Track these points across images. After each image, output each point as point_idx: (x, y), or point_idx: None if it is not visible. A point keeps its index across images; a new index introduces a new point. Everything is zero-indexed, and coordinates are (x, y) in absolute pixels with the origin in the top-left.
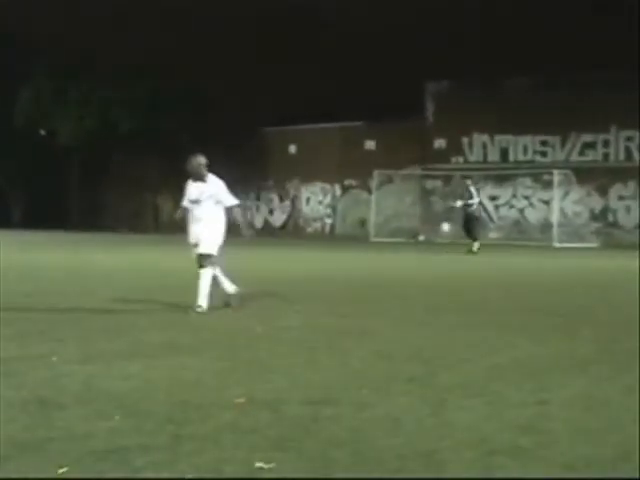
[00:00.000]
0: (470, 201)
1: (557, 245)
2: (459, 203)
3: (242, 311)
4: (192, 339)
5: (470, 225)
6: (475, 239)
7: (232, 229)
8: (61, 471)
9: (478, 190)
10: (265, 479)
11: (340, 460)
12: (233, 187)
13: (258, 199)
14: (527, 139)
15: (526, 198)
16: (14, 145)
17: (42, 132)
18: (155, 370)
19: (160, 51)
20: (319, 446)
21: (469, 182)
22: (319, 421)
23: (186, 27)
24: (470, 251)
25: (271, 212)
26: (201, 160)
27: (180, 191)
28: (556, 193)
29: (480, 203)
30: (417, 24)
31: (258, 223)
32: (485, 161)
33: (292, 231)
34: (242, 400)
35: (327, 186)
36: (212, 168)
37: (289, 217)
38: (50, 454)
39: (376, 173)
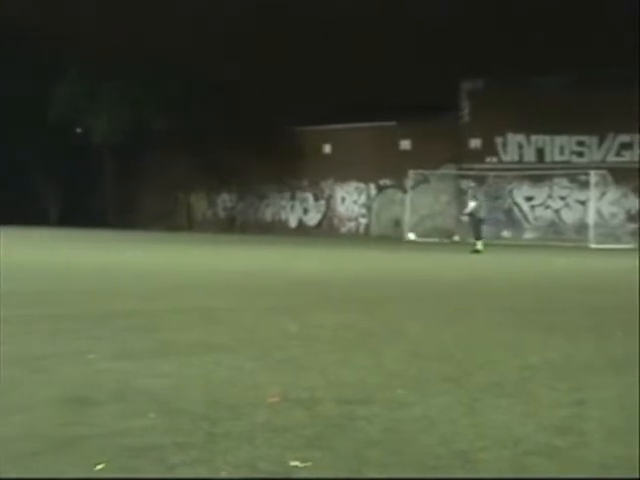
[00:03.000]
0: (470, 205)
1: (593, 246)
2: (468, 210)
3: (276, 311)
4: (225, 338)
5: (472, 226)
6: (478, 238)
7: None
8: (98, 468)
9: (475, 195)
10: (300, 479)
11: (375, 459)
12: (268, 186)
13: (293, 198)
14: (564, 139)
15: (562, 199)
16: (49, 144)
17: (78, 130)
18: (189, 368)
19: (192, 50)
20: (354, 445)
21: (472, 185)
22: (354, 420)
23: (218, 26)
24: (475, 250)
25: (305, 211)
26: None
27: (213, 190)
28: (592, 194)
29: (479, 205)
30: (452, 22)
31: (292, 222)
32: (521, 161)
33: (326, 230)
34: (276, 399)
35: (362, 185)
36: (249, 166)
37: (324, 216)
38: (86, 451)
39: (411, 173)
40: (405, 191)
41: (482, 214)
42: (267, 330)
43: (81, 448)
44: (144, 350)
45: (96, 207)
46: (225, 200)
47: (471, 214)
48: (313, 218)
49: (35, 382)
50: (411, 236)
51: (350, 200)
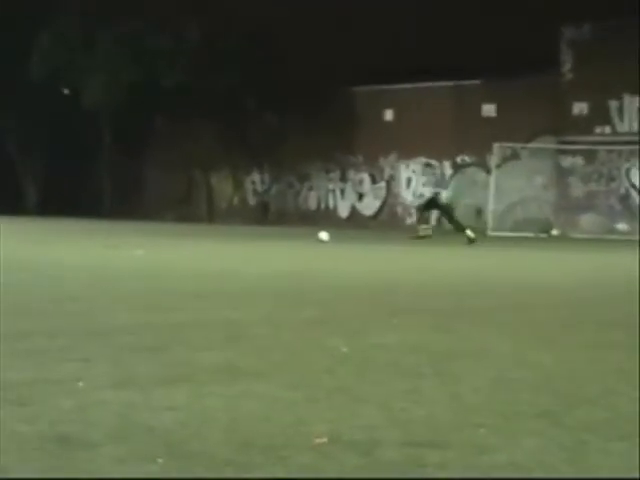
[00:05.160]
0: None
1: None
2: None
3: (323, 325)
4: (257, 361)
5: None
6: (461, 229)
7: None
8: None
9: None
10: None
11: None
12: (312, 164)
13: (343, 180)
14: None
15: None
16: (30, 107)
17: (65, 91)
18: (209, 400)
19: None
20: None
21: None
22: (424, 468)
23: None
24: (471, 240)
25: (360, 197)
26: None
27: (241, 168)
28: None
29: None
30: None
31: (343, 211)
32: None
33: (387, 221)
34: (323, 440)
35: (433, 163)
36: (286, 137)
37: (384, 203)
38: None
39: (496, 147)
40: (488, 170)
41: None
42: (310, 350)
43: None
44: (151, 376)
45: (88, 191)
46: (256, 182)
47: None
48: (370, 206)
49: (10, 416)
50: (323, 236)
51: (418, 182)
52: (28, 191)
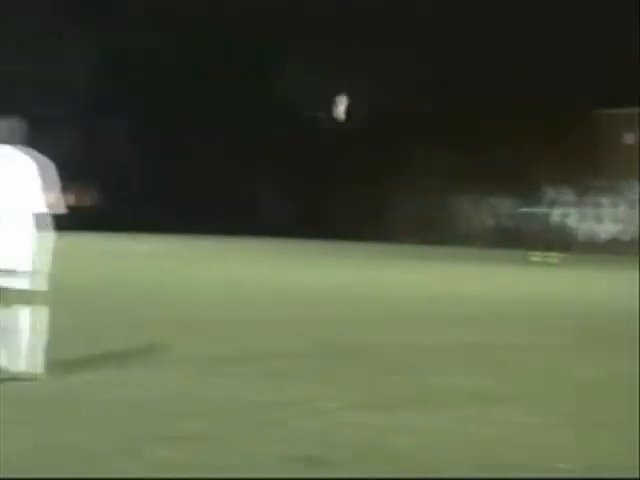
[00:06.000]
0: None
1: None
2: None
3: (569, 351)
4: (508, 386)
5: None
6: None
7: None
8: None
9: None
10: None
11: None
12: (553, 186)
13: (583, 203)
14: None
15: None
16: (271, 131)
17: (316, 114)
18: (455, 423)
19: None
20: None
21: None
22: None
23: None
24: None
25: (600, 221)
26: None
27: (487, 191)
28: None
29: None
30: None
31: (582, 235)
32: None
33: (629, 247)
34: (565, 465)
35: None
36: (529, 161)
37: (626, 229)
38: None
39: None
40: None
41: None
42: (560, 376)
43: None
44: (397, 398)
45: (329, 212)
46: (499, 205)
47: None
48: (610, 230)
49: (260, 436)
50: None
51: None
52: (265, 213)
